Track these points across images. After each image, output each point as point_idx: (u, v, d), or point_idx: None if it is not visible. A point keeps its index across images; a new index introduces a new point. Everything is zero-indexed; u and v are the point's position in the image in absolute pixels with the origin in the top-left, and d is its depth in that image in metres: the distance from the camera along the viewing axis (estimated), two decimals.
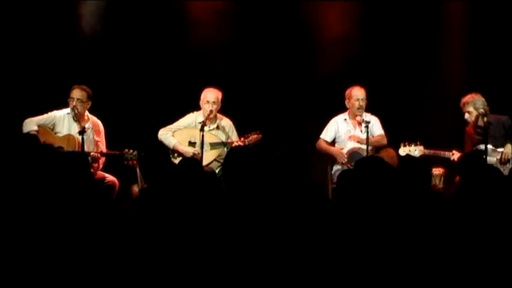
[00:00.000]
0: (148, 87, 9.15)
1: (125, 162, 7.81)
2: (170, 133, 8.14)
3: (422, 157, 7.73)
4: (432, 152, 7.92)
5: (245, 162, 5.02)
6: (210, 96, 8.06)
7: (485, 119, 7.86)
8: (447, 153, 7.88)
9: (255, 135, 8.05)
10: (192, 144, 8.05)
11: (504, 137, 7.96)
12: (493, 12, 9.12)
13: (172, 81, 9.17)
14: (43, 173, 5.19)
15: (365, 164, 5.24)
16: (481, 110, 7.92)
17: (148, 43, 9.18)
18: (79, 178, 5.13)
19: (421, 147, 7.91)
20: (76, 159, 5.34)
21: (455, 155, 7.78)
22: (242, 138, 8.07)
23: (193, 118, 8.15)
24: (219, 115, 8.20)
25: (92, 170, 7.61)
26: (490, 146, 7.83)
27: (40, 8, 8.93)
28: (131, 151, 7.78)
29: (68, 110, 7.92)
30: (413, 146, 7.90)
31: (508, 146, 7.90)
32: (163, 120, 8.30)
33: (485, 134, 7.77)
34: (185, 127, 8.15)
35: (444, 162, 7.85)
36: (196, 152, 7.91)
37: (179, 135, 8.14)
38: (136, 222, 4.85)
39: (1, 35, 8.83)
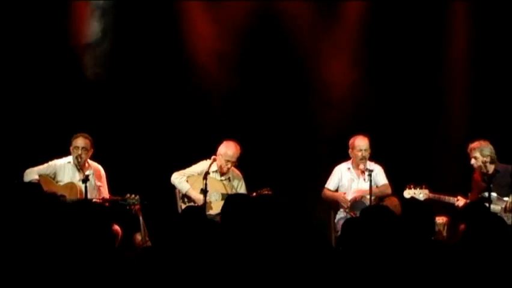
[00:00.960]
0: (151, 134, 9.20)
1: (128, 208, 7.83)
2: (185, 178, 8.13)
3: (427, 201, 7.75)
4: (437, 196, 7.93)
5: (243, 210, 5.03)
6: (231, 155, 8.03)
7: (492, 166, 7.90)
8: (452, 199, 7.89)
9: (266, 192, 7.98)
10: (203, 192, 7.92)
11: (510, 186, 7.95)
12: (494, 53, 9.22)
13: (175, 127, 9.23)
14: (47, 222, 5.18)
15: (371, 213, 5.24)
16: (484, 158, 7.93)
17: (150, 88, 9.27)
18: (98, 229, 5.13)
19: (426, 191, 7.91)
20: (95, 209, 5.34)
21: (460, 201, 7.81)
22: (254, 194, 7.96)
23: (207, 166, 8.03)
24: None
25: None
26: (495, 194, 7.83)
27: (39, 53, 9.00)
28: (133, 196, 7.81)
29: (69, 158, 7.94)
30: (418, 189, 7.91)
31: None
32: (166, 167, 8.34)
33: (489, 181, 7.80)
34: (199, 174, 8.09)
35: (448, 210, 7.84)
36: (208, 202, 7.88)
37: (192, 181, 8.12)
38: (138, 274, 4.84)
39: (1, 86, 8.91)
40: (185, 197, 8.11)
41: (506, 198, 7.90)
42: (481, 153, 7.96)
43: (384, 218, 5.03)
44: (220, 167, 8.09)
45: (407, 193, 7.92)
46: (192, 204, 8.03)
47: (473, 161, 8.02)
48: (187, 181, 8.13)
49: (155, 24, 9.22)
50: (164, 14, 9.23)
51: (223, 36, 9.30)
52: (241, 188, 8.24)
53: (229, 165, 8.07)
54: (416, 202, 7.08)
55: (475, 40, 9.25)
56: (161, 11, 9.22)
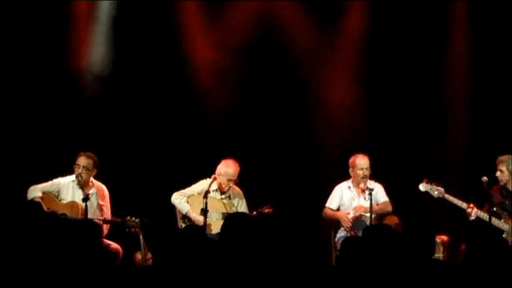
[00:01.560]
0: (152, 152, 9.21)
1: (127, 230, 7.83)
2: (185, 198, 8.12)
3: (439, 199, 7.77)
4: (451, 198, 7.86)
5: (243, 230, 5.05)
6: (233, 174, 8.04)
7: None
8: (464, 204, 7.81)
9: (267, 210, 8.02)
10: (204, 211, 7.91)
11: None
12: (493, 73, 9.24)
13: (176, 145, 9.25)
14: (47, 241, 5.19)
15: (374, 232, 5.27)
16: (508, 173, 7.89)
17: (151, 107, 9.30)
18: (89, 246, 5.14)
19: (442, 189, 7.86)
20: (87, 227, 5.36)
21: (472, 209, 7.73)
22: (255, 212, 8.02)
23: (207, 185, 8.05)
24: None
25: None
26: (507, 213, 7.83)
27: (43, 71, 9.05)
28: (133, 219, 7.82)
29: (72, 177, 7.97)
30: (434, 185, 7.89)
31: None
32: (167, 186, 8.36)
33: (490, 199, 7.74)
34: (199, 193, 8.09)
35: (448, 229, 7.82)
36: (209, 223, 7.87)
37: (192, 200, 8.12)
38: None
39: (4, 104, 8.95)
40: (186, 217, 8.10)
41: None
42: (507, 167, 7.93)
43: (386, 237, 5.06)
44: (221, 186, 8.10)
45: (423, 186, 7.89)
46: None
47: (498, 173, 7.96)
48: (187, 201, 8.13)
49: (156, 42, 9.26)
50: (165, 32, 9.28)
51: (223, 55, 9.34)
52: (242, 205, 8.23)
53: (230, 184, 8.08)
54: (416, 221, 7.12)
55: (474, 57, 9.30)
56: (162, 28, 9.27)
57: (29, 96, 9.01)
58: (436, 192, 7.83)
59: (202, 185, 8.14)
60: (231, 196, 8.20)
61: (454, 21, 9.38)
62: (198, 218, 7.97)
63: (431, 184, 7.86)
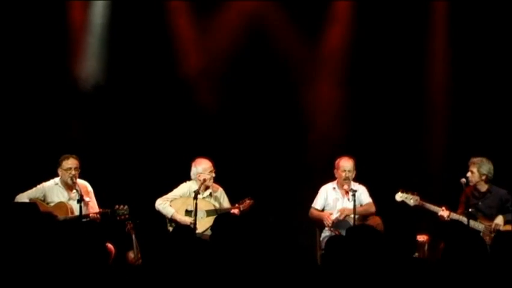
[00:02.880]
0: (141, 156, 9.33)
1: (118, 218, 7.92)
2: (168, 203, 8.27)
3: (416, 207, 7.86)
4: (427, 204, 7.96)
5: (233, 228, 5.19)
6: (209, 166, 8.23)
7: (486, 186, 8.00)
8: (437, 208, 7.92)
9: (248, 201, 8.24)
10: (189, 212, 8.16)
11: (498, 208, 8.05)
12: (474, 78, 9.35)
13: (164, 148, 9.36)
14: (45, 241, 5.27)
15: (356, 231, 5.37)
16: (480, 175, 7.99)
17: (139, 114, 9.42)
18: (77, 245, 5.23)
19: (417, 198, 7.95)
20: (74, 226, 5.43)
21: (444, 212, 7.85)
22: (237, 205, 8.23)
23: (188, 187, 8.29)
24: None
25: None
26: (482, 213, 7.97)
27: (39, 85, 9.16)
28: (121, 206, 7.93)
29: (55, 180, 8.07)
30: (410, 194, 7.97)
31: (500, 217, 7.97)
32: (158, 188, 8.44)
33: (467, 201, 7.89)
34: (181, 196, 8.29)
35: (429, 229, 7.95)
36: (193, 221, 8.00)
37: (175, 204, 8.28)
38: None
39: None
40: (172, 220, 8.24)
41: (490, 218, 8.00)
42: (478, 169, 8.02)
43: (369, 237, 5.14)
44: (207, 182, 8.22)
45: (399, 196, 7.98)
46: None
47: (469, 174, 8.04)
48: (170, 205, 8.28)
49: (146, 46, 9.39)
50: (157, 38, 9.41)
51: (212, 61, 9.49)
52: (224, 199, 8.41)
53: (213, 175, 8.25)
54: (398, 221, 7.21)
55: (455, 64, 9.40)
56: (155, 35, 9.40)
57: (13, 102, 9.11)
58: (412, 201, 7.93)
59: (183, 188, 8.34)
60: (212, 193, 8.35)
61: (433, 31, 9.49)
62: (184, 219, 8.14)
63: (406, 193, 7.96)
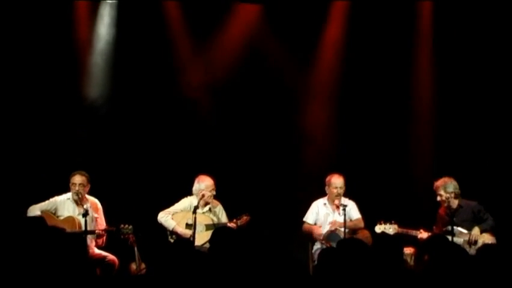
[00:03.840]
0: (144, 172, 9.56)
1: (122, 237, 8.17)
2: (170, 216, 8.51)
3: (396, 235, 8.11)
4: (405, 230, 8.23)
5: (230, 241, 5.44)
6: (211, 184, 8.50)
7: (456, 201, 8.27)
8: (415, 232, 8.20)
9: (245, 217, 8.46)
10: (189, 226, 8.39)
11: (472, 220, 8.32)
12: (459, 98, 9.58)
13: (167, 165, 9.58)
14: (51, 254, 5.47)
15: (347, 244, 5.56)
16: (447, 195, 8.28)
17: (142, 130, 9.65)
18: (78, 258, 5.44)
19: (395, 226, 8.24)
20: (75, 239, 5.63)
21: (423, 234, 8.12)
22: (234, 220, 8.45)
23: (189, 202, 8.55)
24: None
25: (96, 245, 8.09)
26: (459, 228, 8.20)
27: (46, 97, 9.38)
28: (126, 226, 8.17)
29: (68, 195, 8.34)
30: (388, 224, 8.24)
31: (476, 228, 8.26)
32: (160, 203, 8.66)
33: (452, 216, 8.17)
34: (182, 210, 8.55)
35: (415, 242, 8.18)
36: (193, 234, 8.19)
37: (177, 217, 8.52)
38: None
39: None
40: (173, 233, 8.47)
41: (467, 232, 8.26)
42: (444, 190, 8.33)
43: (359, 249, 5.33)
44: (207, 199, 8.50)
45: (378, 228, 8.26)
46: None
47: (438, 198, 8.38)
48: (172, 218, 8.53)
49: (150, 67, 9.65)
50: (158, 53, 9.66)
51: (212, 78, 9.74)
52: (222, 215, 8.66)
53: (213, 193, 8.53)
54: (386, 236, 7.44)
55: (440, 83, 9.63)
56: (156, 51, 9.65)
57: (27, 117, 9.37)
58: (391, 230, 8.21)
59: (184, 203, 8.61)
60: (211, 208, 8.61)
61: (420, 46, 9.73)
62: (185, 232, 8.39)
63: (384, 224, 8.23)
